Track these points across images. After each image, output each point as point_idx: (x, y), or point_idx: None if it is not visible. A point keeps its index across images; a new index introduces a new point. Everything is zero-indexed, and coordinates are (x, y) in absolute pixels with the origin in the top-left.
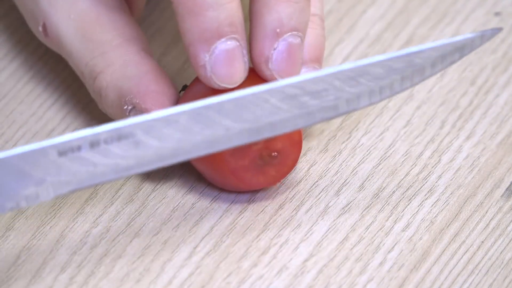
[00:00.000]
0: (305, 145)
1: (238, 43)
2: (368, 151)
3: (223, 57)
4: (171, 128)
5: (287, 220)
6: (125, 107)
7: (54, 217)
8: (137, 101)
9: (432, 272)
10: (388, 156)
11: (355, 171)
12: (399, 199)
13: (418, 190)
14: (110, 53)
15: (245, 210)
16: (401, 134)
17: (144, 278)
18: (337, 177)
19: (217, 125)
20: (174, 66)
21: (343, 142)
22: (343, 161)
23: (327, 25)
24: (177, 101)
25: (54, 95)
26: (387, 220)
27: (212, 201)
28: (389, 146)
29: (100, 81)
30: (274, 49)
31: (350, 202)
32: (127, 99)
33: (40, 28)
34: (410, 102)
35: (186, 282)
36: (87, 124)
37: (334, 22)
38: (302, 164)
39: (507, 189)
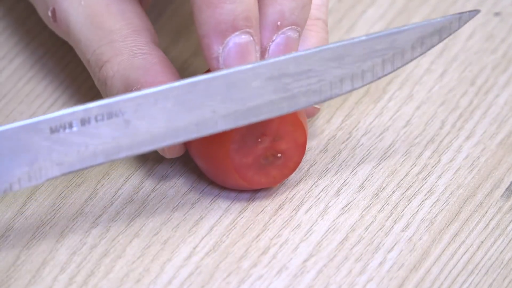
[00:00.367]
0: None
1: (251, 38)
2: (368, 151)
3: (236, 50)
4: (160, 106)
5: (287, 220)
6: None
7: (54, 217)
8: None
9: (431, 272)
10: (388, 156)
11: (354, 171)
12: (399, 199)
13: (418, 190)
14: (118, 42)
15: (245, 210)
16: (401, 134)
17: (144, 278)
18: (337, 177)
19: (204, 107)
20: (175, 65)
21: (343, 142)
22: (343, 161)
23: None
24: None
25: (54, 95)
26: (386, 220)
27: (211, 201)
28: (389, 146)
29: (107, 70)
30: (272, 41)
31: (350, 202)
32: (133, 89)
33: (50, 13)
34: (410, 102)
35: (186, 282)
36: None
37: (334, 22)
38: (302, 164)
39: (506, 189)
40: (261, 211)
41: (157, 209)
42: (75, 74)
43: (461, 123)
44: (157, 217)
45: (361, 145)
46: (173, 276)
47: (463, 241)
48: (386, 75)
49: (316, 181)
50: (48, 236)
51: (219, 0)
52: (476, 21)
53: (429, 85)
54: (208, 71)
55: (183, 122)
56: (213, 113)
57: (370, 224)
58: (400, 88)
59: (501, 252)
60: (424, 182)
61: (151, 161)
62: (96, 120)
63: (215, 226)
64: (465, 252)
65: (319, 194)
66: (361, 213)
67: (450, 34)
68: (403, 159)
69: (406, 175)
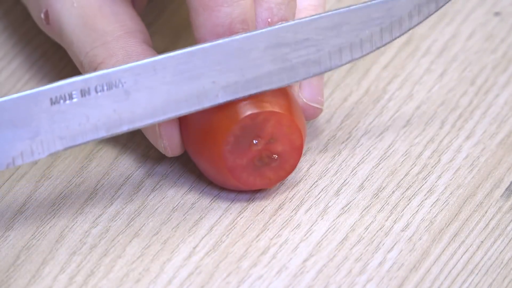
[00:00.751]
0: (304, 145)
1: None
2: (368, 151)
3: None
4: (159, 76)
5: (286, 220)
6: None
7: (54, 217)
8: None
9: (431, 272)
10: (388, 156)
11: (354, 171)
12: (399, 199)
13: (418, 190)
14: (112, 43)
15: (244, 210)
16: (401, 134)
17: (144, 278)
18: (337, 177)
19: (203, 77)
20: None
21: (343, 142)
22: (343, 161)
23: None
24: None
25: None
26: (386, 220)
27: (211, 201)
28: (389, 146)
29: None
30: None
31: (350, 202)
32: None
33: (42, 15)
34: (409, 102)
35: (186, 282)
36: None
37: None
38: (302, 164)
39: (506, 189)
40: (261, 211)
41: (157, 209)
42: (74, 74)
43: (461, 123)
44: (157, 217)
45: (361, 145)
46: (173, 276)
47: (463, 241)
48: (384, 44)
49: (316, 181)
50: (48, 236)
51: (216, 3)
52: (476, 21)
53: (429, 85)
54: None
55: (183, 93)
56: (213, 84)
57: (370, 224)
58: (400, 88)
59: (501, 252)
60: (424, 182)
61: (151, 161)
62: (96, 91)
63: (215, 226)
64: (465, 252)
65: (319, 194)
66: (361, 213)
67: (446, 2)
68: (403, 159)
69: (406, 175)
